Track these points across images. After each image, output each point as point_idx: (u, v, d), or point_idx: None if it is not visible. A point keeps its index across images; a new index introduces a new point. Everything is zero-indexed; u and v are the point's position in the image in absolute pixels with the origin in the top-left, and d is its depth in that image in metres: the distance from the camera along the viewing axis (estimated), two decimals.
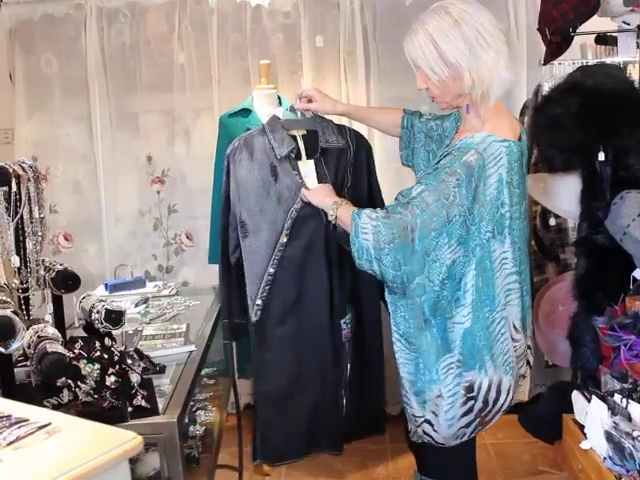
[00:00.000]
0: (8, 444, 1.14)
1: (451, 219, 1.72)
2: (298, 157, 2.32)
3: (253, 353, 2.45)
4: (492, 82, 1.75)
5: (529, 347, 1.97)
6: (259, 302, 2.32)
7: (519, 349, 1.89)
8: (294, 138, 2.33)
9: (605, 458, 1.80)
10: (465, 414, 1.85)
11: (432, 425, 1.87)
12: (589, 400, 1.96)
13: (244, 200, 2.33)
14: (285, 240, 2.28)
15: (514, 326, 1.86)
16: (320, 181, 2.30)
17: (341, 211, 1.97)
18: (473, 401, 1.84)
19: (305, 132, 2.35)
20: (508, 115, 1.90)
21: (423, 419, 1.88)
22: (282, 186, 2.29)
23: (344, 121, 2.63)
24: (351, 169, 2.39)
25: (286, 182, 2.29)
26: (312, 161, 2.33)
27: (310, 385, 2.38)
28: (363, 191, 2.43)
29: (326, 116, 2.38)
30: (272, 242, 2.30)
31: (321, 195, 2.12)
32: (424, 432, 1.90)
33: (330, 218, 2.02)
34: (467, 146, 1.75)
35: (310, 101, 2.26)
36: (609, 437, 1.77)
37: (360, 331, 2.45)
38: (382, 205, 2.40)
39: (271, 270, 2.30)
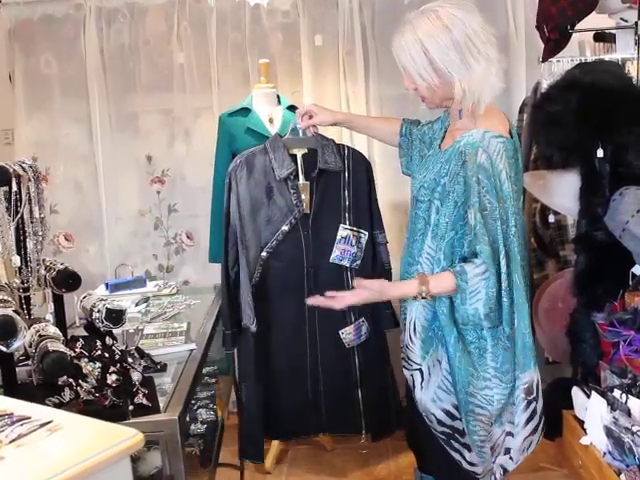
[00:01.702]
0: (10, 442, 1.15)
1: (498, 224, 1.72)
2: (297, 178, 2.38)
3: (240, 357, 2.58)
4: (483, 91, 1.74)
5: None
6: (251, 310, 2.45)
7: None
8: (295, 156, 2.37)
9: (605, 453, 1.80)
10: (530, 419, 1.84)
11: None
12: (589, 396, 1.96)
13: (242, 217, 2.41)
14: (265, 255, 2.39)
15: None
16: (318, 198, 2.39)
17: (433, 284, 1.78)
18: (535, 402, 1.84)
19: (306, 150, 2.40)
20: (497, 112, 1.88)
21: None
22: (275, 207, 2.39)
23: (345, 138, 2.69)
24: (349, 191, 2.45)
25: (280, 204, 2.39)
26: (308, 183, 2.41)
27: (297, 384, 2.56)
28: (363, 212, 2.49)
29: (326, 133, 2.45)
30: (256, 258, 2.43)
31: (386, 293, 1.89)
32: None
33: (420, 300, 1.81)
34: (472, 146, 1.75)
35: (311, 117, 2.23)
36: (609, 432, 1.78)
37: (372, 338, 2.58)
38: (380, 223, 2.51)
39: (253, 282, 2.45)
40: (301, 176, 2.39)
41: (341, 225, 2.45)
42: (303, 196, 2.38)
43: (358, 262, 2.46)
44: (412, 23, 1.74)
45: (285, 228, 2.37)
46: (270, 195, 2.38)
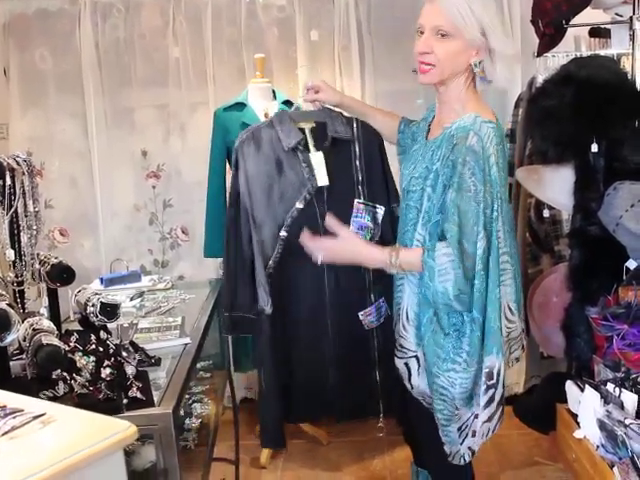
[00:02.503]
0: (3, 434, 1.15)
1: (481, 207, 1.72)
2: (307, 149, 2.29)
3: (258, 344, 2.49)
4: (497, 66, 1.81)
5: (523, 330, 1.98)
6: (266, 292, 2.34)
7: (514, 331, 1.91)
8: (302, 131, 2.31)
9: (598, 446, 1.81)
10: (487, 404, 1.84)
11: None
12: (582, 390, 1.97)
13: (253, 194, 2.31)
14: (285, 234, 2.28)
15: (509, 308, 1.87)
16: (331, 172, 2.25)
17: (403, 254, 1.81)
18: (494, 389, 1.83)
19: (314, 124, 2.32)
20: (483, 100, 1.90)
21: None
22: (286, 182, 2.27)
23: None
24: (362, 163, 2.34)
25: (291, 178, 2.26)
26: (321, 153, 2.29)
27: (316, 368, 2.46)
28: (378, 185, 2.39)
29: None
30: (275, 236, 2.31)
31: (358, 250, 1.87)
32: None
33: (392, 271, 1.84)
34: (463, 130, 1.76)
35: (317, 92, 2.21)
36: (602, 425, 1.78)
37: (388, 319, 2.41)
38: (397, 198, 2.36)
39: (272, 263, 2.31)
40: (312, 148, 2.27)
41: (355, 200, 2.32)
42: (319, 168, 2.25)
43: (376, 239, 2.31)
44: None
45: (300, 205, 2.25)
46: (280, 169, 2.26)
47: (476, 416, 1.87)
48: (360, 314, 2.40)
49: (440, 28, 1.76)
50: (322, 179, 2.25)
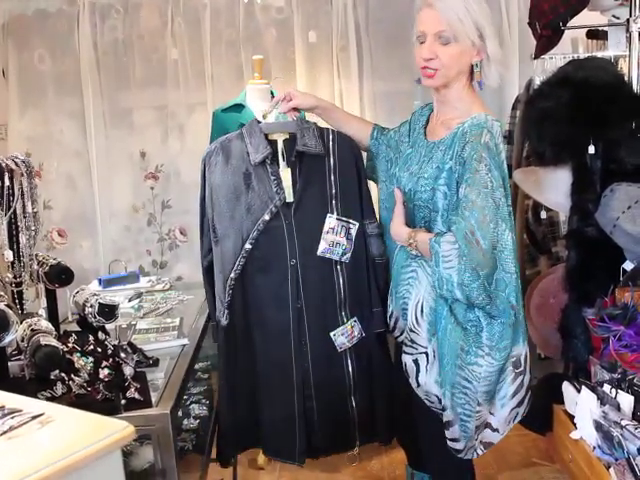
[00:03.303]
0: (1, 434, 1.15)
1: (498, 204, 1.76)
2: (276, 163, 2.19)
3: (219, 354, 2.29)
4: (493, 67, 1.87)
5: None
6: (224, 306, 2.21)
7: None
8: (275, 142, 2.27)
9: (594, 447, 1.81)
10: (516, 391, 1.88)
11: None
12: (579, 391, 1.97)
13: (216, 205, 2.22)
14: (249, 247, 2.21)
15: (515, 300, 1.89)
16: (301, 187, 2.19)
17: (421, 236, 1.87)
18: (522, 375, 1.89)
19: (287, 136, 2.21)
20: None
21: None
22: (254, 195, 2.16)
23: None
24: (335, 177, 2.23)
25: (259, 191, 2.16)
26: (289, 169, 2.19)
27: (282, 394, 2.24)
28: (352, 201, 2.26)
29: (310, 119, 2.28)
30: (237, 249, 2.20)
31: (395, 223, 1.98)
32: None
33: (411, 251, 1.92)
34: (477, 127, 1.80)
35: (290, 100, 2.18)
36: (598, 426, 1.79)
37: (364, 340, 2.28)
38: (371, 213, 2.27)
39: (233, 275, 2.24)
40: (282, 162, 2.17)
41: (328, 215, 2.23)
42: (286, 183, 2.17)
43: (348, 255, 2.23)
44: None
45: (266, 217, 2.18)
46: (248, 182, 2.16)
47: (491, 413, 1.91)
48: (332, 334, 2.24)
49: (442, 34, 1.80)
50: (288, 195, 2.21)
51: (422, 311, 1.92)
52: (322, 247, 2.19)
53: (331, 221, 2.21)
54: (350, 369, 2.28)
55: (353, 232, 2.23)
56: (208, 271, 2.31)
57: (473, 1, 1.80)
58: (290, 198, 2.18)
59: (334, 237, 2.22)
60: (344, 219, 2.23)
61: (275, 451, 2.34)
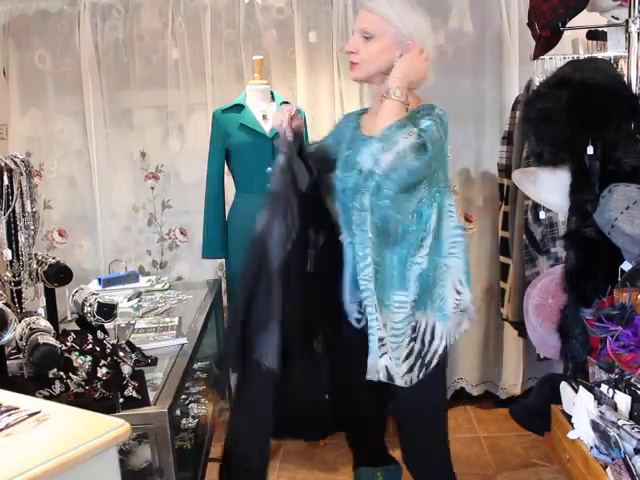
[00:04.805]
0: None
1: (430, 154, 1.79)
2: None
3: None
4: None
5: (472, 302, 1.99)
6: None
7: (462, 303, 1.93)
8: None
9: (591, 447, 1.81)
10: (407, 357, 1.88)
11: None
12: (576, 391, 1.97)
13: None
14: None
15: (459, 280, 1.91)
16: None
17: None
18: (413, 342, 1.88)
19: None
20: None
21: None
22: None
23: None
24: None
25: None
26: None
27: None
28: None
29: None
30: None
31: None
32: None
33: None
34: (430, 107, 1.87)
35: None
36: (595, 426, 1.79)
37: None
38: None
39: None
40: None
41: None
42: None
43: None
44: None
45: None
46: None
47: None
48: None
49: (365, 31, 1.90)
50: None
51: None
52: None
53: None
54: None
55: None
56: None
57: (400, 4, 1.88)
58: None
59: None
60: None
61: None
